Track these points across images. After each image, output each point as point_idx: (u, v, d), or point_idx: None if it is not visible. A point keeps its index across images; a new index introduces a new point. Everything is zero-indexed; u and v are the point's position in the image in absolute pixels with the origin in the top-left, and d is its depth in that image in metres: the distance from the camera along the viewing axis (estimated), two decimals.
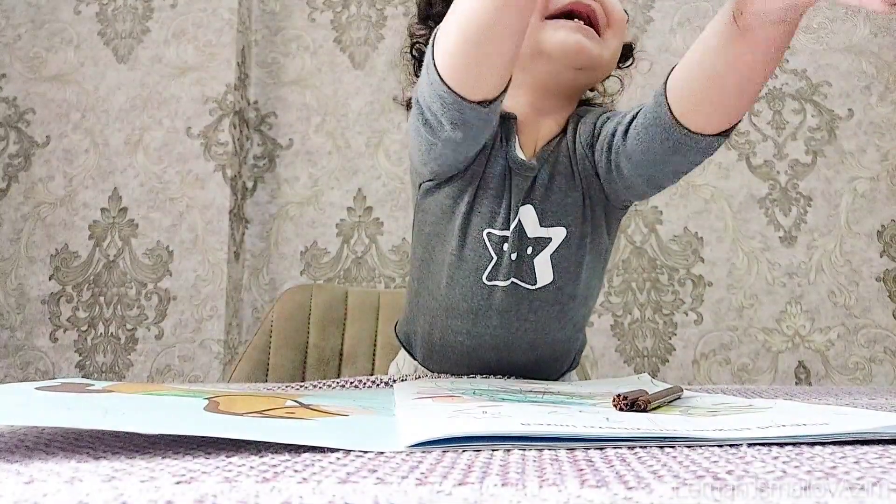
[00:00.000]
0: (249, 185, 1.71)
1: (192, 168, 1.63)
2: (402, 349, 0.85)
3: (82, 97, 1.69)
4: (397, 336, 0.85)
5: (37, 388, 0.38)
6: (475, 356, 0.73)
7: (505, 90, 0.60)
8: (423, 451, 0.29)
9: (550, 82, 0.71)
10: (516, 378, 0.72)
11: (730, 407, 0.43)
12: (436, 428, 0.31)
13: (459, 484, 0.23)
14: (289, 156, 1.71)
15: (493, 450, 0.29)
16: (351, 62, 1.73)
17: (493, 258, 0.69)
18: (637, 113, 0.64)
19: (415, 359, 0.81)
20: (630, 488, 0.22)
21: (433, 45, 0.60)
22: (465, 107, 0.59)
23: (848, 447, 0.30)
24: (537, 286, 0.70)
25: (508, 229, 0.69)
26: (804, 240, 1.56)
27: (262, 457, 0.27)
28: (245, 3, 1.71)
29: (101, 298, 1.62)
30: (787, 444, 0.30)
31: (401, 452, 0.28)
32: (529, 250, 0.69)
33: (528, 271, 0.70)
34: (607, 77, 0.76)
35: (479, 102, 0.59)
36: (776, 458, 0.28)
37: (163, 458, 0.27)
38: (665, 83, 0.59)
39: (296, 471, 0.25)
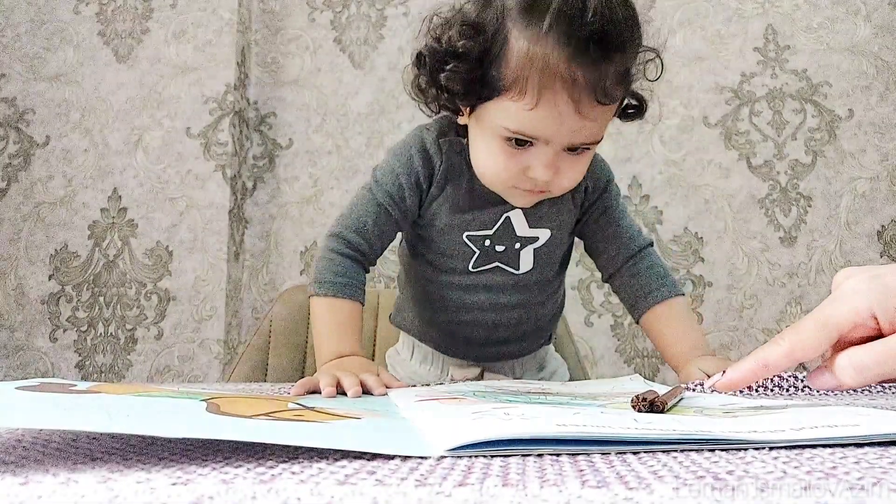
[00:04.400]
0: (249, 185, 1.70)
1: (191, 168, 1.63)
2: (401, 335, 0.95)
3: (82, 97, 1.69)
4: (393, 323, 0.95)
5: (17, 388, 0.37)
6: (466, 332, 0.85)
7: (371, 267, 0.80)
8: (463, 456, 0.27)
9: None
10: (504, 348, 0.86)
11: (742, 408, 0.42)
12: (476, 431, 0.29)
13: (459, 485, 0.23)
14: (289, 156, 1.71)
15: (527, 455, 0.28)
16: (351, 62, 1.73)
17: (476, 252, 0.79)
18: (628, 259, 0.83)
19: (413, 337, 0.91)
20: (631, 489, 0.22)
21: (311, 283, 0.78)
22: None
23: (848, 447, 0.30)
24: (520, 272, 0.81)
25: (490, 229, 0.78)
26: (804, 240, 1.56)
27: (259, 458, 0.27)
28: (245, 3, 1.71)
29: (101, 298, 1.62)
30: (824, 446, 0.30)
31: (444, 457, 0.27)
32: (517, 245, 0.80)
33: (513, 259, 0.80)
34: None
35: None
36: (776, 458, 0.27)
37: (159, 459, 0.27)
38: (640, 316, 0.82)
39: (293, 472, 0.25)
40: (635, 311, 0.83)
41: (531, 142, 0.67)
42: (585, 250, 0.88)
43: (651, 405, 0.39)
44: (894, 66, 1.60)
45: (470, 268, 0.80)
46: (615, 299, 1.58)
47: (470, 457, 0.28)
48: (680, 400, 0.46)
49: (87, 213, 1.65)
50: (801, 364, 1.51)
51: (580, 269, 1.59)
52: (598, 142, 0.70)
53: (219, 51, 1.66)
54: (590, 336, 1.57)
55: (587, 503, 0.21)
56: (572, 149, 0.68)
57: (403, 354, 0.94)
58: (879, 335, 0.39)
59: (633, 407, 0.39)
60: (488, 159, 0.70)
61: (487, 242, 0.79)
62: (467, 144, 0.75)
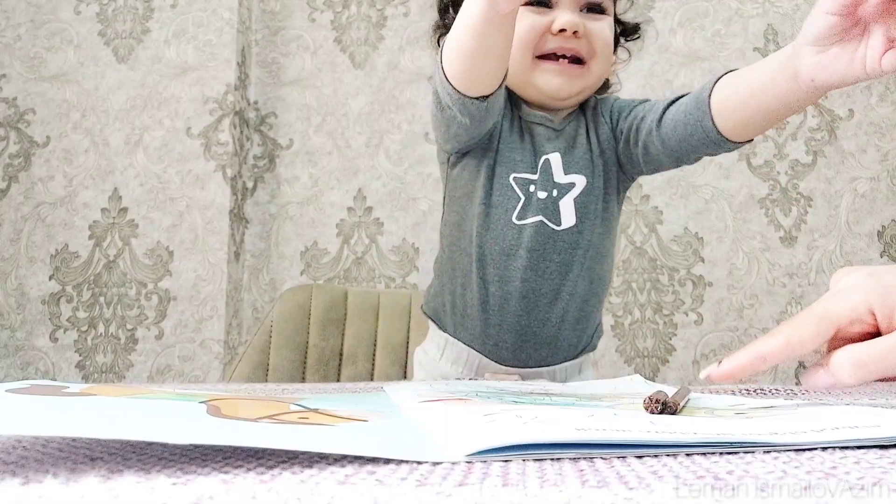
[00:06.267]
0: (249, 185, 1.70)
1: (192, 168, 1.63)
2: (431, 331, 0.89)
3: (82, 97, 1.69)
4: (425, 313, 0.90)
5: (6, 391, 0.37)
6: (504, 314, 0.80)
7: (501, 85, 0.72)
8: (484, 460, 0.27)
9: (546, 103, 0.83)
10: (539, 349, 0.81)
11: (752, 408, 0.42)
12: (497, 436, 0.28)
13: (459, 485, 0.23)
14: (289, 156, 1.71)
15: (550, 458, 0.27)
16: (351, 62, 1.73)
17: (521, 198, 0.79)
18: (669, 105, 0.76)
19: (445, 331, 0.86)
20: (631, 489, 0.22)
21: (441, 51, 0.72)
22: (467, 101, 0.72)
23: (848, 448, 0.30)
24: (562, 227, 0.79)
25: (535, 173, 0.80)
26: (804, 240, 1.56)
27: (259, 458, 0.27)
28: (245, 3, 1.71)
29: (101, 298, 1.62)
30: (847, 447, 0.30)
31: (458, 462, 0.27)
32: (555, 192, 0.79)
33: (554, 212, 0.79)
34: (605, 84, 0.88)
35: (478, 98, 0.71)
36: (776, 458, 0.27)
37: (158, 459, 0.27)
38: (710, 95, 0.70)
39: (293, 472, 0.25)
40: (702, 116, 0.71)
41: (549, 2, 0.76)
42: (640, 152, 0.80)
43: (664, 407, 0.38)
44: None
45: (514, 219, 0.79)
46: (615, 299, 1.58)
47: (483, 461, 0.27)
48: (688, 401, 0.46)
49: (87, 214, 1.65)
50: (799, 363, 1.51)
51: None
52: (609, 8, 0.79)
53: (219, 51, 1.66)
54: None
55: (587, 503, 0.21)
56: (591, 8, 0.78)
57: (432, 353, 0.87)
58: (876, 333, 0.39)
59: (646, 409, 0.39)
60: (515, 29, 0.72)
61: (532, 188, 0.79)
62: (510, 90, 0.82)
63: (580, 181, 0.80)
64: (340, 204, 1.67)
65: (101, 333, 1.61)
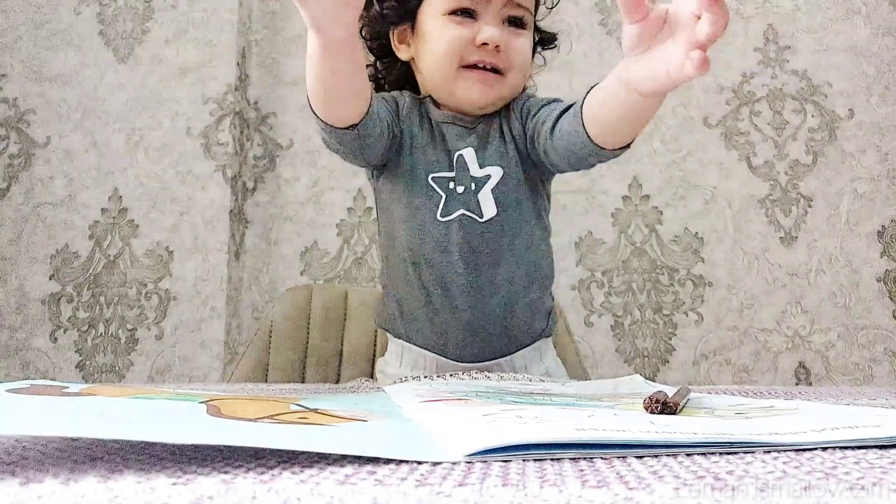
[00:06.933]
0: (249, 185, 1.70)
1: (192, 168, 1.63)
2: (389, 342, 0.91)
3: (83, 97, 1.69)
4: (378, 325, 0.93)
5: (6, 391, 0.37)
6: (449, 311, 0.82)
7: (368, 114, 0.72)
8: (484, 460, 0.27)
9: (466, 111, 0.86)
10: (491, 340, 0.82)
11: (752, 409, 0.42)
12: (497, 436, 0.29)
13: (459, 485, 0.23)
14: (289, 156, 1.71)
15: (550, 458, 0.27)
16: None
17: (442, 196, 0.82)
18: (560, 114, 0.77)
19: (399, 338, 0.87)
20: (631, 489, 0.22)
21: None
22: (336, 131, 0.72)
23: (848, 448, 0.30)
24: (485, 218, 0.81)
25: (451, 170, 0.82)
26: (804, 240, 1.56)
27: (259, 458, 0.27)
28: (245, 3, 1.71)
29: (102, 299, 1.62)
30: (847, 447, 0.30)
31: (458, 462, 0.27)
32: (473, 186, 0.82)
33: (475, 204, 0.82)
34: (522, 88, 0.89)
35: (347, 128, 0.72)
36: (776, 458, 0.27)
37: (158, 459, 0.27)
38: (581, 108, 0.71)
39: (293, 472, 0.25)
40: (578, 126, 0.73)
41: (474, 12, 0.80)
42: (542, 156, 0.82)
43: (664, 407, 0.38)
44: (894, 66, 1.60)
45: (439, 216, 0.81)
46: (615, 299, 1.58)
47: (483, 461, 0.27)
48: (688, 401, 0.46)
49: (87, 214, 1.65)
50: (799, 363, 1.51)
51: (580, 270, 1.59)
52: (529, 23, 0.83)
53: (219, 51, 1.66)
54: (590, 336, 1.57)
55: (587, 503, 0.21)
56: (512, 21, 0.81)
57: (392, 363, 0.89)
58: None
59: (646, 409, 0.39)
60: (438, 38, 0.80)
61: (451, 185, 0.82)
62: (421, 98, 0.87)
63: (496, 172, 0.82)
64: (340, 204, 1.67)
65: (101, 333, 1.61)
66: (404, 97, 0.86)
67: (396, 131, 0.83)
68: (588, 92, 0.71)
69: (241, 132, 1.68)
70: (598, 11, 1.67)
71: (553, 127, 0.77)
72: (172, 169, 1.64)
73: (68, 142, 1.68)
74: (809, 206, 1.57)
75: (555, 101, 0.82)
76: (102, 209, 1.64)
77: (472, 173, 0.82)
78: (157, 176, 1.64)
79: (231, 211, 1.61)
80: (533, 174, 0.86)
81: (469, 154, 0.83)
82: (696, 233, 1.59)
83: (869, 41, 1.61)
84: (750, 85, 1.63)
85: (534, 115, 0.83)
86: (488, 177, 0.82)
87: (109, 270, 1.63)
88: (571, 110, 0.74)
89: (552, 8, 0.90)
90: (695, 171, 1.60)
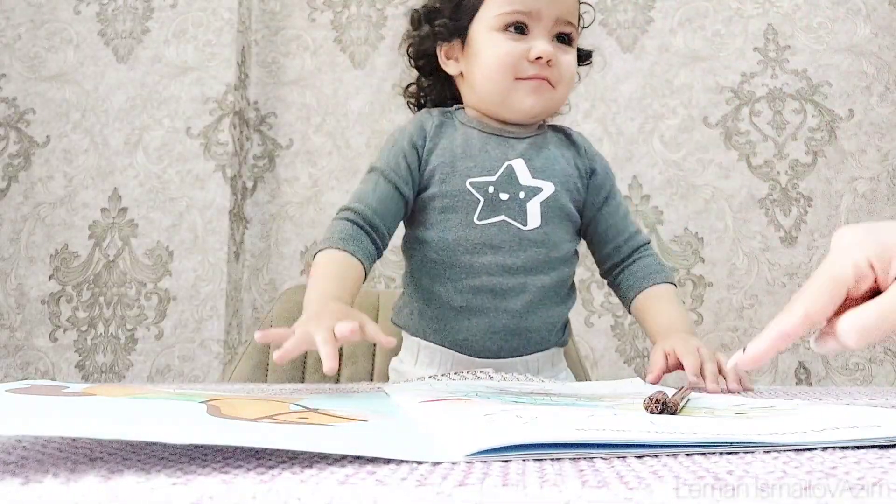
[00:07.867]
0: (249, 185, 1.70)
1: (192, 168, 1.63)
2: (404, 340, 0.91)
3: (82, 97, 1.69)
4: (395, 324, 0.92)
5: (6, 391, 0.37)
6: (476, 310, 0.83)
7: (377, 257, 0.83)
8: (484, 460, 0.27)
9: (519, 122, 0.89)
10: (510, 339, 0.84)
11: (752, 409, 0.42)
12: (498, 436, 0.29)
13: (459, 485, 0.23)
14: (289, 156, 1.71)
15: (550, 458, 0.28)
16: (351, 62, 1.73)
17: (480, 200, 0.82)
18: (633, 260, 0.90)
19: (416, 336, 0.88)
20: (631, 489, 0.22)
21: None
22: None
23: (848, 448, 0.30)
24: (528, 227, 0.83)
25: (492, 175, 0.83)
26: (804, 240, 1.56)
27: (259, 458, 0.27)
28: (245, 3, 1.71)
29: (101, 298, 1.62)
30: (847, 447, 0.30)
31: (458, 463, 0.27)
32: (522, 195, 0.83)
33: (520, 213, 0.83)
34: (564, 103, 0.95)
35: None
36: (776, 458, 0.27)
37: (158, 459, 0.27)
38: (631, 303, 0.90)
39: (293, 472, 0.25)
40: (626, 300, 0.90)
41: (526, 27, 0.82)
42: (587, 241, 0.92)
43: (664, 407, 0.38)
44: (894, 66, 1.60)
45: (476, 219, 0.82)
46: (615, 299, 1.58)
47: (483, 461, 0.27)
48: (688, 401, 0.46)
49: (87, 213, 1.65)
50: (799, 363, 1.51)
51: (581, 270, 1.58)
52: (575, 39, 0.87)
53: (219, 51, 1.66)
54: (590, 336, 1.57)
55: (587, 503, 0.21)
56: (560, 38, 0.84)
57: (407, 361, 0.89)
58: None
59: (646, 409, 0.39)
60: (493, 53, 0.83)
61: (491, 189, 0.82)
62: (454, 111, 0.90)
63: (548, 187, 0.85)
64: (340, 204, 1.67)
65: (100, 333, 1.61)
66: (431, 116, 0.89)
67: (413, 171, 0.86)
68: (651, 285, 0.88)
69: (241, 132, 1.68)
70: (598, 11, 1.67)
71: (621, 268, 0.90)
72: (172, 169, 1.64)
73: (68, 141, 1.68)
74: (809, 206, 1.57)
75: (617, 199, 0.92)
76: (102, 209, 1.64)
77: (521, 182, 0.84)
78: (157, 176, 1.64)
79: (231, 211, 1.61)
80: (575, 204, 0.89)
81: (519, 165, 0.84)
82: (696, 233, 1.59)
83: (869, 41, 1.61)
84: (750, 85, 1.63)
85: (605, 200, 0.90)
86: (539, 189, 0.84)
87: (109, 270, 1.63)
88: (636, 273, 0.89)
89: (586, 28, 0.94)
90: (695, 171, 1.60)
